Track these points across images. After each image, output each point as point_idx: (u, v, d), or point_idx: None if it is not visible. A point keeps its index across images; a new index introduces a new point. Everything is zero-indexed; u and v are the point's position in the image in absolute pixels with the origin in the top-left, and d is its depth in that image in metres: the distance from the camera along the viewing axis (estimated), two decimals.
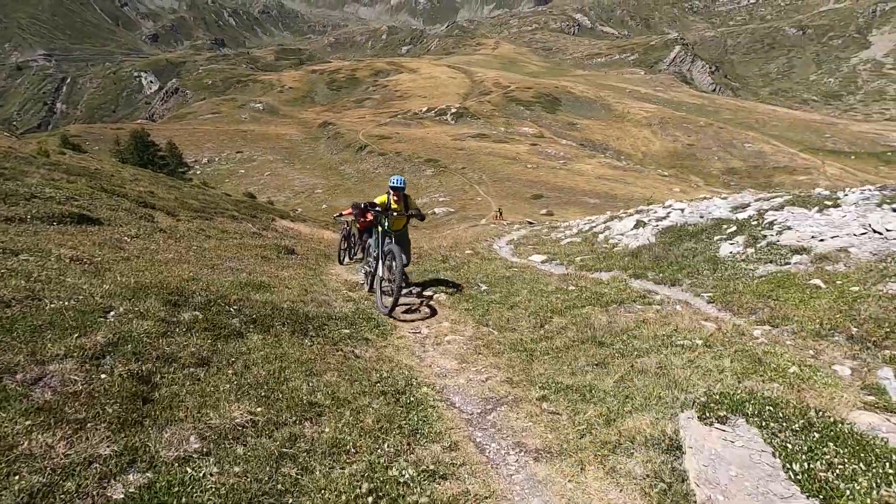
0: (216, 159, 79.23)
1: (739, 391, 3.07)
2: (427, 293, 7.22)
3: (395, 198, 6.88)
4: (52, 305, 3.59)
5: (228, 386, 3.12)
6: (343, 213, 12.10)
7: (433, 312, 6.20)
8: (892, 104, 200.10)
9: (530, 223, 25.11)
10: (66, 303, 3.64)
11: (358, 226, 11.42)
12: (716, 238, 7.40)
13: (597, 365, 3.91)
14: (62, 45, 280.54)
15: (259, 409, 2.95)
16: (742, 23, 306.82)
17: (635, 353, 4.02)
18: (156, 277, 5.01)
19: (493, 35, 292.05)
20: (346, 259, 10.95)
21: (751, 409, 2.88)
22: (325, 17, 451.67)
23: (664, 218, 9.41)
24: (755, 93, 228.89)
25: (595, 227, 11.99)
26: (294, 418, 2.96)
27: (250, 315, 4.45)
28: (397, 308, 6.20)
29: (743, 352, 3.83)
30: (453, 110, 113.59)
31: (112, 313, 3.69)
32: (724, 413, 2.83)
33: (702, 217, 8.62)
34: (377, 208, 6.85)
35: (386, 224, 6.81)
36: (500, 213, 37.89)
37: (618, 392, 3.43)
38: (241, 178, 68.29)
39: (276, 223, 20.06)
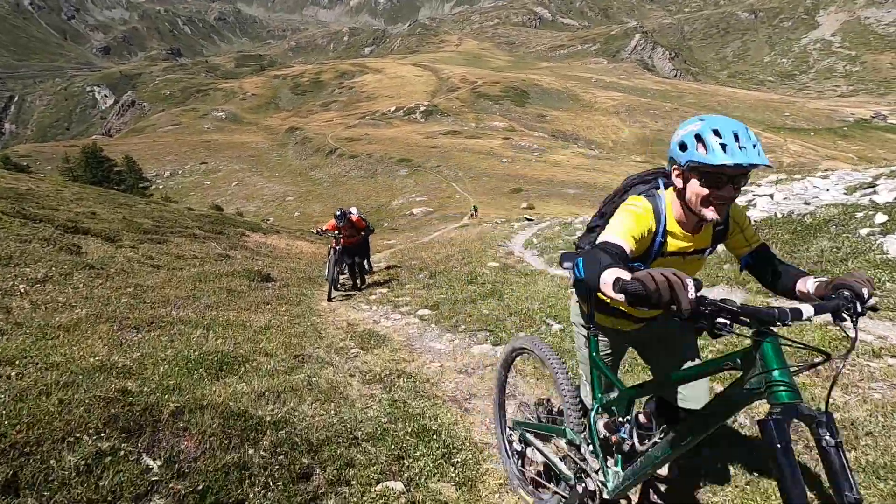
0: (179, 172, 75.61)
1: None
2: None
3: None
4: None
5: None
6: (324, 227, 9.54)
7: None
8: (842, 81, 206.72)
9: (528, 220, 23.11)
10: None
11: (341, 242, 8.95)
12: (863, 232, 5.37)
13: None
14: (6, 62, 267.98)
15: None
16: (697, 9, 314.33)
17: None
18: (19, 384, 2.63)
19: (456, 32, 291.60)
20: (335, 292, 8.44)
21: None
22: (283, 22, 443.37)
23: (747, 207, 7.36)
24: (714, 76, 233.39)
25: None
26: None
27: (194, 476, 2.09)
28: (459, 394, 3.57)
29: None
30: (422, 108, 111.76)
31: None
32: None
33: (808, 204, 6.59)
34: (620, 251, 1.46)
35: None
36: (476, 211, 36.00)
37: None
38: (207, 190, 64.84)
39: (246, 238, 17.51)
